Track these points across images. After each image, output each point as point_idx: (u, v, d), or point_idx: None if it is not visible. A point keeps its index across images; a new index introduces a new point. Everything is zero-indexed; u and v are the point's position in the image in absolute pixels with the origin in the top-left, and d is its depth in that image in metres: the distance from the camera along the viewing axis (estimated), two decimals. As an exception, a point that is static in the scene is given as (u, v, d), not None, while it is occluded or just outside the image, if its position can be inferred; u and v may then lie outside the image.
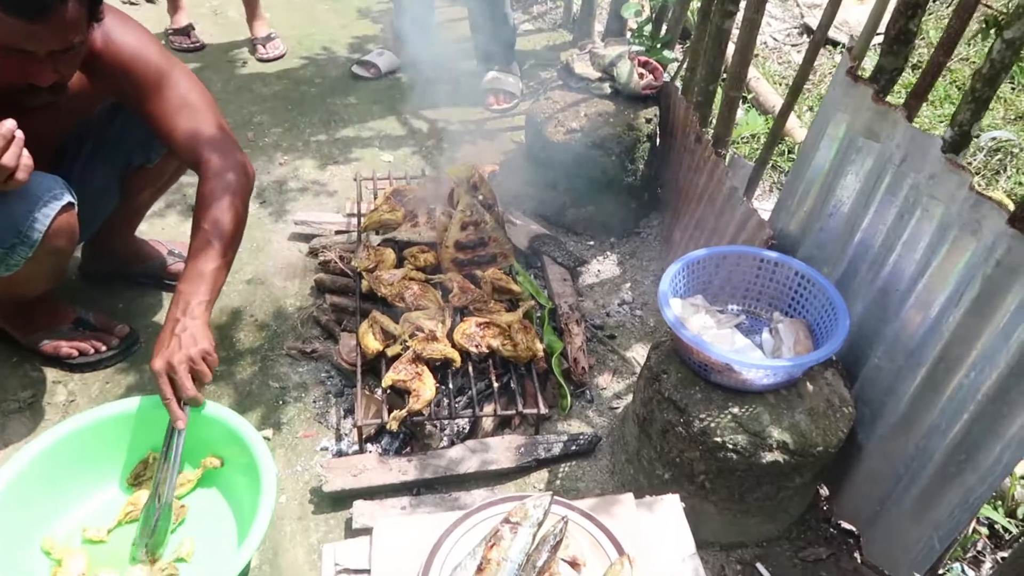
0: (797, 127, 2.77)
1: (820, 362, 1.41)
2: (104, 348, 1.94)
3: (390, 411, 1.70)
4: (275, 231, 2.40)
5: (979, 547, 1.56)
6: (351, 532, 1.60)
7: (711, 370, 1.44)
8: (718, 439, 1.40)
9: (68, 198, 1.61)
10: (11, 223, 1.54)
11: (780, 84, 3.06)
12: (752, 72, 3.02)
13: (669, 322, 1.42)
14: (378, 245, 2.09)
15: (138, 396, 1.82)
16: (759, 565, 1.57)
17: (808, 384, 1.47)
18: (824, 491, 1.67)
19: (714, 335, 1.50)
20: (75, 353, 1.92)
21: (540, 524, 1.32)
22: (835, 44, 3.39)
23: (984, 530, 1.58)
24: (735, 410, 1.42)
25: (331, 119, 2.96)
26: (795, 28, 3.58)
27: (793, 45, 3.45)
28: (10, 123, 1.34)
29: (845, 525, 1.61)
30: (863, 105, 1.48)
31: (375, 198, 2.28)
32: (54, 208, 1.57)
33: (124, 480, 1.65)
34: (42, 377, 1.91)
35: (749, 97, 2.93)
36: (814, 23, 3.62)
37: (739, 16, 1.91)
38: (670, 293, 1.50)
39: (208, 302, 1.56)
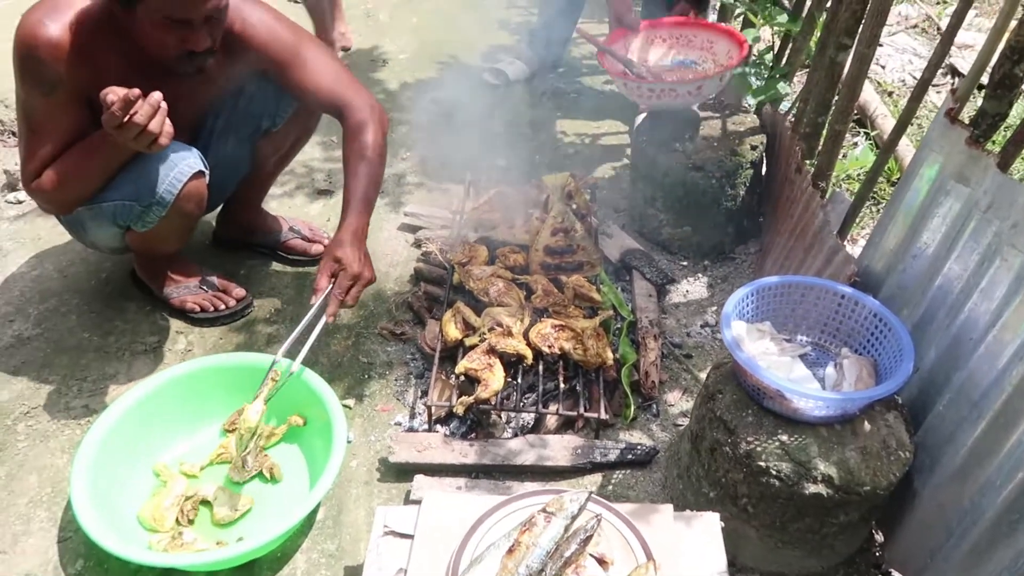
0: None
1: (871, 400, 1.40)
2: (223, 307, 2.16)
3: (460, 396, 1.81)
4: (387, 220, 2.58)
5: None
6: (408, 502, 1.71)
7: (764, 395, 1.45)
8: (762, 463, 1.42)
9: (200, 167, 1.83)
10: (150, 185, 1.77)
11: (912, 124, 2.95)
12: (881, 109, 2.94)
13: (726, 342, 1.45)
14: (474, 242, 2.21)
15: (244, 352, 2.04)
16: (798, 599, 1.56)
17: (866, 423, 1.45)
18: (879, 536, 1.64)
19: (773, 361, 1.51)
20: (197, 308, 2.15)
21: (574, 518, 1.38)
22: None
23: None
24: (783, 438, 1.43)
25: (456, 121, 3.13)
26: (940, 69, 3.43)
27: (933, 86, 3.30)
28: (157, 95, 1.55)
29: (895, 574, 1.57)
30: (957, 148, 1.45)
31: (480, 198, 2.41)
32: (187, 174, 1.80)
33: (222, 425, 1.85)
34: (168, 326, 2.15)
35: (872, 134, 2.85)
36: (962, 64, 3.46)
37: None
38: (734, 316, 1.53)
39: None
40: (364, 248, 1.79)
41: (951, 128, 1.47)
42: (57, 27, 1.62)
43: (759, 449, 1.43)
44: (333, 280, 1.73)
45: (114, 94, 1.49)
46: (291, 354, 1.73)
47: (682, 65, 2.41)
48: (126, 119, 1.51)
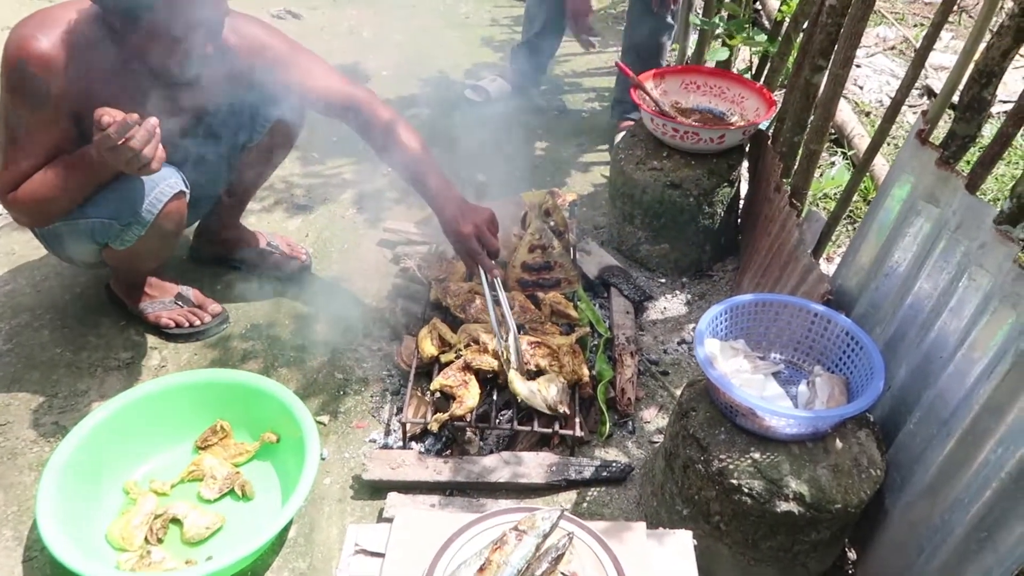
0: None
1: (843, 418, 1.40)
2: (198, 322, 2.14)
3: (435, 413, 1.80)
4: (366, 236, 2.57)
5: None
6: (381, 520, 1.70)
7: (736, 412, 1.45)
8: (734, 481, 1.41)
9: (181, 187, 1.82)
10: (130, 205, 1.76)
11: (888, 143, 2.99)
12: (858, 129, 2.97)
13: (699, 360, 1.45)
14: (452, 258, 2.20)
15: (218, 369, 2.03)
16: (771, 618, 1.55)
17: (837, 441, 1.46)
18: (852, 554, 1.64)
19: (745, 379, 1.51)
20: (172, 324, 2.13)
21: (546, 536, 1.37)
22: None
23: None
24: (756, 455, 1.43)
25: (436, 137, 3.13)
26: (916, 89, 3.48)
27: (910, 106, 3.35)
28: (154, 120, 1.54)
29: (868, 593, 1.57)
30: (927, 169, 1.46)
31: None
32: (168, 194, 1.79)
33: (194, 442, 1.83)
34: (142, 342, 2.13)
35: (849, 154, 2.88)
36: (938, 85, 3.51)
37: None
38: (708, 333, 1.53)
39: None
40: (463, 201, 1.86)
41: (921, 149, 1.49)
42: (48, 41, 1.61)
43: (731, 467, 1.43)
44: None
45: (110, 116, 1.48)
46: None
47: (709, 112, 2.47)
48: (120, 142, 1.50)
